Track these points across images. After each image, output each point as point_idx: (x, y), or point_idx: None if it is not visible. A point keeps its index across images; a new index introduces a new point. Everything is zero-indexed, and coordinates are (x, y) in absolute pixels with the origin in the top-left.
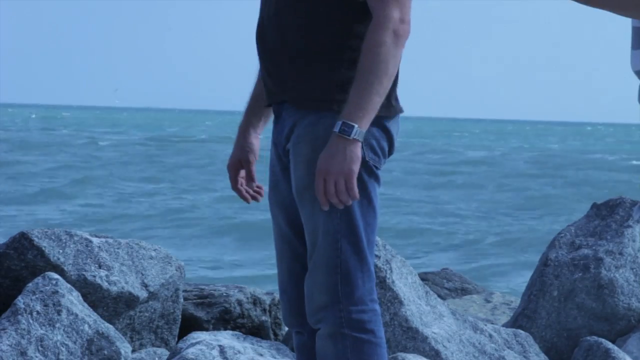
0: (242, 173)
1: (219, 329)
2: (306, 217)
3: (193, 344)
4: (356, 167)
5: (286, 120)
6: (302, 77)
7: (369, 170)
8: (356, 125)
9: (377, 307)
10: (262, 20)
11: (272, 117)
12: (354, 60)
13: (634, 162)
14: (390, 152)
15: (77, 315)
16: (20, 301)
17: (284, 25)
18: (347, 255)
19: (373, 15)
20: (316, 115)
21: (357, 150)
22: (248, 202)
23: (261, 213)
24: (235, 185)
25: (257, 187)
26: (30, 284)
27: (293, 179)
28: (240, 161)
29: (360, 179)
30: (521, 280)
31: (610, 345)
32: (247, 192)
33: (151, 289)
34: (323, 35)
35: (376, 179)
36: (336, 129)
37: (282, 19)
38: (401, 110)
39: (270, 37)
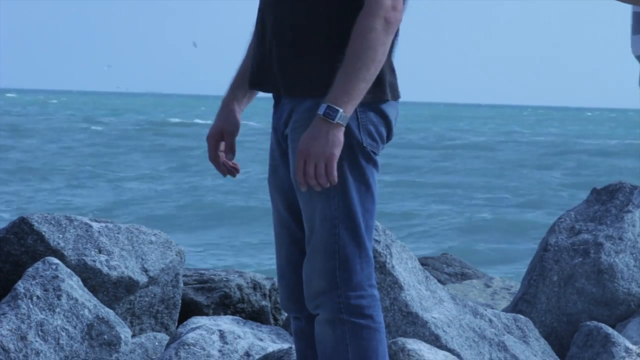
0: (222, 146)
1: (219, 314)
2: (304, 202)
3: (193, 329)
4: (337, 151)
5: (285, 105)
6: (298, 66)
7: (367, 156)
8: (341, 110)
9: (376, 292)
10: (260, 12)
11: (255, 96)
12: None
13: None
14: (389, 137)
15: (77, 300)
16: (20, 286)
17: (280, 17)
18: (345, 241)
19: (365, 1)
20: (313, 101)
21: (340, 135)
22: (224, 176)
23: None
24: (214, 156)
25: (233, 164)
26: (30, 269)
27: (291, 164)
28: (221, 132)
29: (358, 164)
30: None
31: (610, 330)
32: (224, 165)
33: (151, 274)
34: (321, 25)
35: (374, 164)
36: (320, 111)
37: (279, 10)
38: (399, 96)
39: (268, 27)
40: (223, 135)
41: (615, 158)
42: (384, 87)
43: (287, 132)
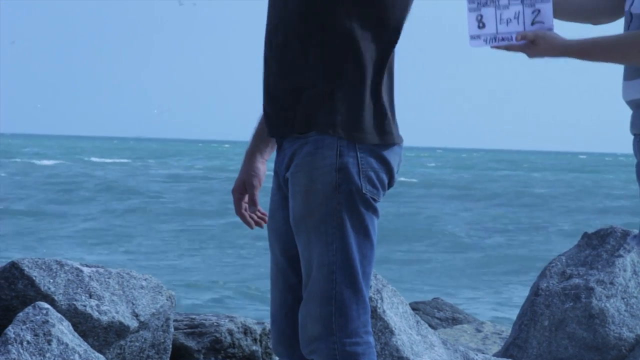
0: (246, 198)
1: (209, 359)
2: (302, 246)
3: None
4: None
5: (286, 149)
6: (302, 105)
7: (366, 203)
8: None
9: (372, 339)
10: (266, 56)
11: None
12: (351, 86)
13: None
14: (390, 184)
15: (67, 345)
16: (10, 331)
17: (285, 60)
18: (342, 287)
19: None
20: (314, 146)
21: None
22: (251, 228)
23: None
24: (239, 210)
25: (261, 213)
26: (20, 314)
27: (291, 208)
28: (244, 185)
29: (357, 210)
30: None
31: None
32: (250, 217)
33: (142, 319)
34: (323, 65)
35: (374, 211)
36: None
37: (284, 54)
38: (401, 141)
39: (272, 71)
40: (246, 188)
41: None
42: (384, 132)
43: (288, 175)
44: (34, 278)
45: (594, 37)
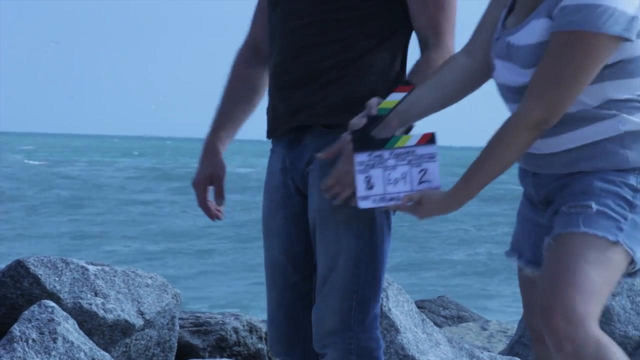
0: (210, 190)
1: (214, 357)
2: (327, 241)
3: None
4: None
5: (309, 144)
6: (331, 99)
7: None
8: None
9: (380, 334)
10: (282, 55)
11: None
12: (374, 81)
13: None
14: None
15: (72, 343)
16: (16, 329)
17: (314, 58)
18: (366, 282)
19: None
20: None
21: None
22: (213, 220)
23: None
24: (203, 202)
25: (218, 208)
26: (26, 312)
27: (315, 202)
28: (210, 177)
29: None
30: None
31: None
32: (214, 209)
33: (147, 317)
34: (350, 60)
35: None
36: None
37: (312, 52)
38: None
39: (296, 69)
40: (212, 179)
41: None
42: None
43: (310, 169)
44: (39, 276)
45: (470, 166)
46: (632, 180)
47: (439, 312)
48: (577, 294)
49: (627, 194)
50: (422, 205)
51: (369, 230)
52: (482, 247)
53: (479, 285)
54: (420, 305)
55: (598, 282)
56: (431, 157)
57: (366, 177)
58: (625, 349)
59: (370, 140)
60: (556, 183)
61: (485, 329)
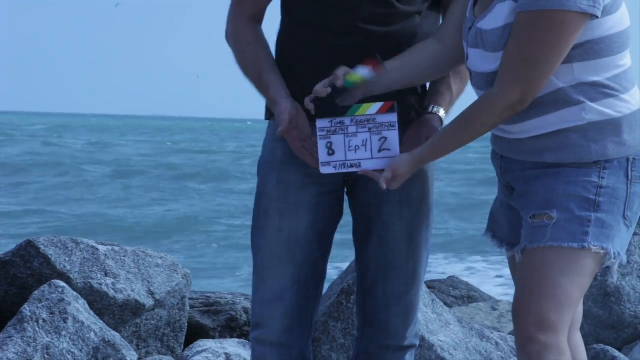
0: (297, 134)
1: (225, 337)
2: (404, 225)
3: (199, 352)
4: None
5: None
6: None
7: None
8: None
9: None
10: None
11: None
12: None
13: None
14: None
15: (83, 323)
16: (26, 309)
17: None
18: (424, 272)
19: None
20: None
21: None
22: (315, 166)
23: None
24: (300, 148)
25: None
26: (36, 292)
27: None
28: (296, 119)
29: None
30: None
31: (616, 353)
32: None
33: (157, 297)
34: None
35: None
36: None
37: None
38: None
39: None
40: (298, 121)
41: None
42: None
43: None
44: (49, 256)
45: (439, 133)
46: (595, 176)
47: (449, 292)
48: (551, 303)
49: (590, 193)
50: (396, 176)
51: (430, 220)
52: None
53: (489, 266)
54: (430, 286)
55: (570, 290)
56: (391, 125)
57: (327, 142)
58: (635, 329)
59: (332, 107)
60: (520, 173)
61: (495, 309)
